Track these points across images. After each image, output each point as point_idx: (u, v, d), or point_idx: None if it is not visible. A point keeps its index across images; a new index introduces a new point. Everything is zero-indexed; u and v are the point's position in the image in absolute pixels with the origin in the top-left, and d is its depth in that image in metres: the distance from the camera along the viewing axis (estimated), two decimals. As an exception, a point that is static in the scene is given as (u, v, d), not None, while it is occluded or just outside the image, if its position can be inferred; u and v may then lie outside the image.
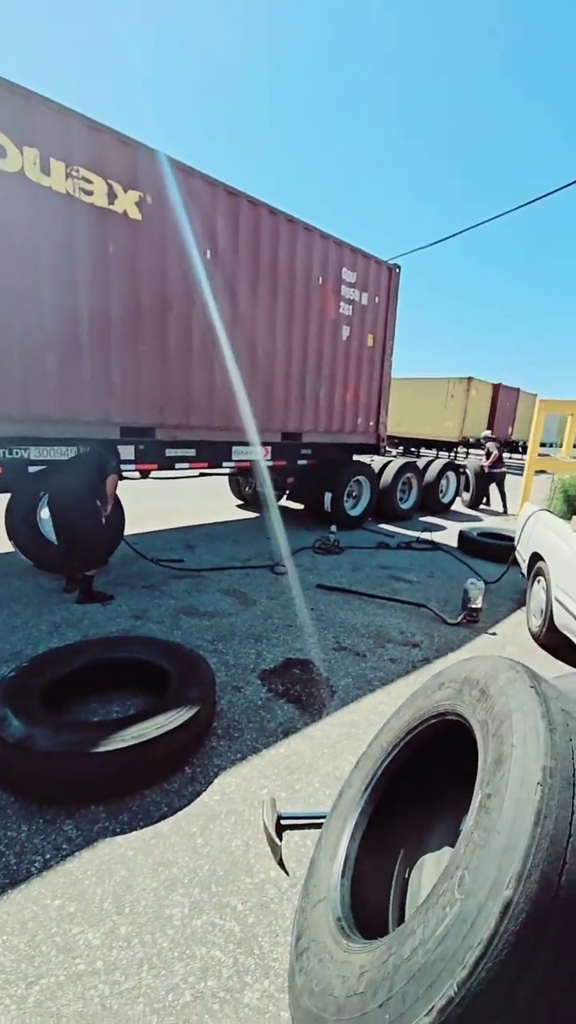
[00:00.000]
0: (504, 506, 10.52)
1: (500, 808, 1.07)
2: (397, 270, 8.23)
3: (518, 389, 21.65)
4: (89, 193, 4.51)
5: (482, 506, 10.99)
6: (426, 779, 1.86)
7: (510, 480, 10.84)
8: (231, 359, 6.03)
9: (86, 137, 4.43)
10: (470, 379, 18.13)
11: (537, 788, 1.04)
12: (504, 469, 10.54)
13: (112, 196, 4.67)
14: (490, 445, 10.52)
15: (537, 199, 10.24)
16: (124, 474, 5.54)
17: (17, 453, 4.59)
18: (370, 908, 1.62)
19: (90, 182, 4.50)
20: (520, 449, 22.80)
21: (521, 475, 7.48)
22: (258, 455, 6.76)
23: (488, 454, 10.48)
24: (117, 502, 5.04)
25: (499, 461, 10.39)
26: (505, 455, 11.04)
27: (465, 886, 1.04)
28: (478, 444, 12.47)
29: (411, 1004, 1.00)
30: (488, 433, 11.30)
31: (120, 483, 5.51)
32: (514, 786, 1.08)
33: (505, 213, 11.05)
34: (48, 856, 1.90)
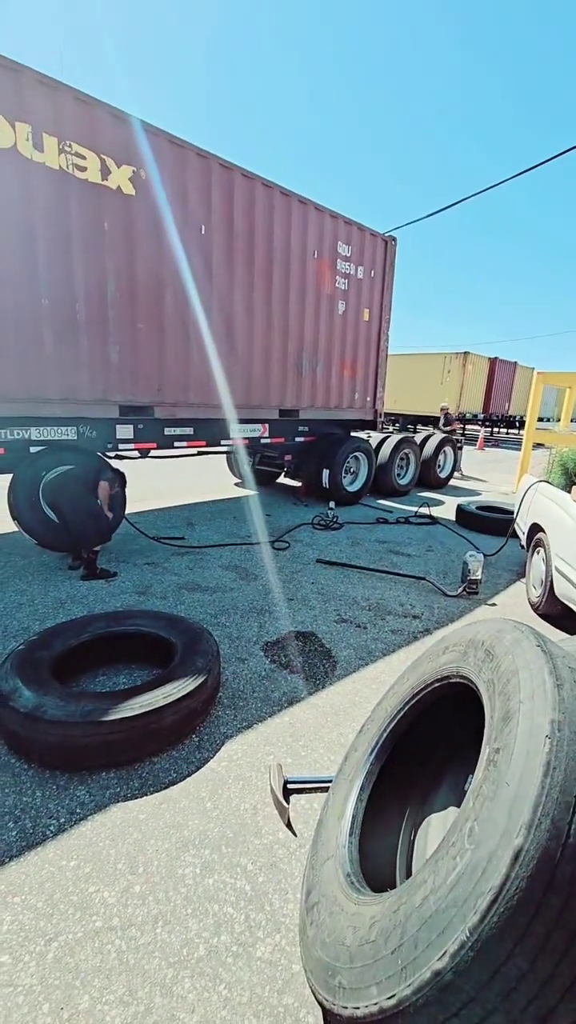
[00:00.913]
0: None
1: (509, 761, 1.10)
2: (393, 242, 8.10)
3: (515, 363, 21.50)
4: (83, 169, 4.47)
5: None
6: (430, 743, 1.90)
7: (509, 454, 11.07)
8: (228, 336, 5.97)
9: (78, 111, 4.37)
10: (466, 354, 17.99)
11: (546, 741, 1.06)
12: (456, 438, 12.18)
13: (106, 172, 4.62)
14: (446, 415, 12.59)
15: (537, 165, 10.00)
16: (124, 453, 5.54)
17: (18, 434, 4.59)
18: (378, 866, 1.66)
19: (83, 158, 4.46)
20: (517, 424, 22.73)
21: (519, 450, 7.47)
22: (256, 432, 6.74)
23: (447, 422, 12.36)
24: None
25: (452, 428, 12.36)
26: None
27: (475, 836, 1.07)
28: (445, 418, 13.37)
29: (423, 949, 1.03)
30: (445, 404, 13.70)
31: (120, 463, 5.54)
32: (523, 739, 1.10)
33: (507, 180, 10.79)
34: (63, 820, 1.94)
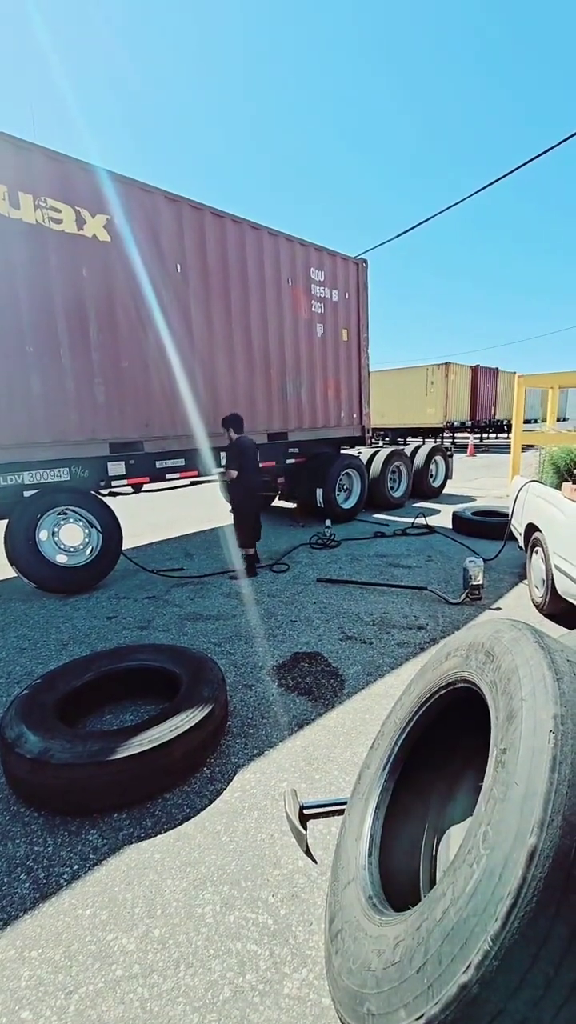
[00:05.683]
0: None
1: (516, 760, 1.08)
2: (364, 265, 8.30)
3: (496, 369, 21.80)
4: (58, 221, 4.66)
5: None
6: (443, 751, 1.87)
7: (500, 459, 11.07)
8: (211, 366, 6.07)
9: (49, 168, 4.57)
10: (448, 364, 18.26)
11: (550, 736, 1.05)
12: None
13: (81, 222, 4.81)
14: None
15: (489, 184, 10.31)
16: (117, 490, 5.57)
17: (11, 479, 4.64)
18: (400, 884, 1.62)
19: (58, 211, 4.65)
20: (506, 428, 22.93)
21: (509, 453, 7.53)
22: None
23: None
24: (115, 519, 5.25)
25: None
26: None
27: (489, 840, 1.04)
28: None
29: (447, 964, 1.00)
30: None
31: (114, 499, 5.56)
32: (527, 737, 1.09)
33: (466, 198, 11.11)
34: (76, 867, 1.89)
